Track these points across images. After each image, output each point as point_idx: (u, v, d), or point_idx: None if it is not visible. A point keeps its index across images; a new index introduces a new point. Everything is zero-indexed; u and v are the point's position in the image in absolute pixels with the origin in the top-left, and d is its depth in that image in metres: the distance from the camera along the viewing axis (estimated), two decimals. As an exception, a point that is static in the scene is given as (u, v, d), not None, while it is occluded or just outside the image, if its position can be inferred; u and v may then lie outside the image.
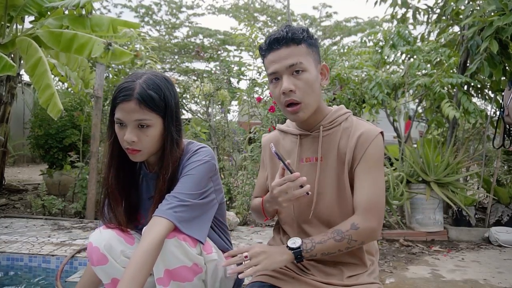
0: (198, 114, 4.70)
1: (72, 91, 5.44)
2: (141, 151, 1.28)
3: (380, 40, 4.10)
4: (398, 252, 2.98)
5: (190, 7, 13.75)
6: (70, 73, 4.85)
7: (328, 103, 3.26)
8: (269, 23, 13.41)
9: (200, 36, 13.71)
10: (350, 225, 1.14)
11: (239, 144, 4.56)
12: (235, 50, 13.32)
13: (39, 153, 5.38)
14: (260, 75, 4.55)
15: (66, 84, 5.61)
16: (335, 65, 3.90)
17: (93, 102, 4.13)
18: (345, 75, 3.67)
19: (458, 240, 3.33)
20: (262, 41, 4.57)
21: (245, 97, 4.68)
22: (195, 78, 4.84)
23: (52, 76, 4.02)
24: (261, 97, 4.12)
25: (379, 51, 4.03)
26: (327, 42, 12.96)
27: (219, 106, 4.64)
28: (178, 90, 4.42)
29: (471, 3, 3.52)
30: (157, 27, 13.97)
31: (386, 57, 3.88)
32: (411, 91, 3.99)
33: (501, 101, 3.13)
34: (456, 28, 4.13)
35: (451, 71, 3.68)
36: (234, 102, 5.26)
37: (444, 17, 4.07)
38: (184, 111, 4.62)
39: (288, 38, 1.16)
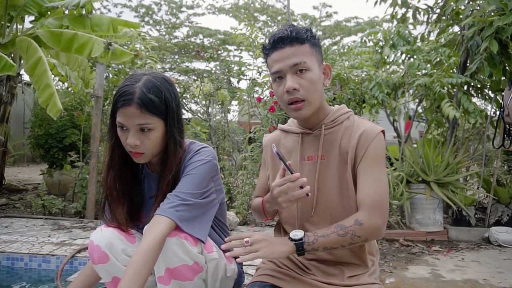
0: (198, 114, 4.70)
1: (72, 91, 5.44)
2: (144, 153, 1.28)
3: (380, 40, 4.11)
4: (398, 252, 2.98)
5: (190, 7, 13.75)
6: (70, 73, 4.84)
7: (328, 103, 3.26)
8: (269, 23, 13.40)
9: (200, 36, 13.70)
10: (354, 220, 1.13)
11: (239, 144, 4.56)
12: (235, 50, 13.31)
13: (39, 153, 5.38)
14: (260, 75, 4.55)
15: (66, 84, 5.61)
16: (335, 65, 3.91)
17: (93, 102, 4.13)
18: (345, 75, 3.67)
19: (458, 240, 3.34)
20: (262, 41, 4.58)
21: (245, 97, 4.68)
22: (195, 78, 4.84)
23: (52, 76, 4.02)
24: (261, 97, 4.12)
25: (379, 51, 4.04)
26: (327, 42, 12.95)
27: (219, 106, 4.65)
28: (178, 90, 4.43)
29: (471, 3, 3.52)
30: (157, 27, 13.96)
31: (386, 57, 3.89)
32: (411, 91, 4.00)
33: (501, 101, 3.13)
34: (456, 28, 4.13)
35: (451, 71, 3.68)
36: (234, 102, 5.26)
37: (444, 17, 4.07)
38: (184, 111, 4.62)
39: (292, 37, 1.17)
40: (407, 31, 3.92)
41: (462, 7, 3.63)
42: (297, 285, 1.21)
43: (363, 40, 4.51)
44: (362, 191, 1.18)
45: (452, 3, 3.68)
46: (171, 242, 1.20)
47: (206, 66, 5.20)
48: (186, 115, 4.87)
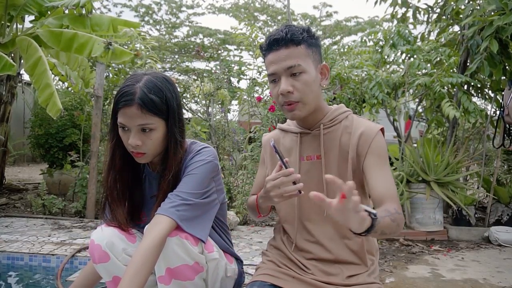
0: (198, 114, 4.70)
1: (72, 91, 5.44)
2: (146, 153, 1.29)
3: (380, 40, 4.10)
4: (398, 252, 2.98)
5: (190, 7, 13.74)
6: (70, 73, 4.85)
7: (328, 103, 3.26)
8: (269, 23, 13.39)
9: (200, 36, 13.69)
10: (393, 209, 1.08)
11: (239, 144, 4.56)
12: (235, 49, 13.31)
13: (39, 153, 5.39)
14: (260, 74, 4.55)
15: (66, 84, 5.60)
16: (335, 65, 3.90)
17: (93, 102, 4.13)
18: (345, 74, 3.67)
19: (458, 240, 3.34)
20: (262, 40, 4.56)
21: (245, 97, 4.68)
22: (195, 78, 4.84)
23: (52, 75, 4.02)
24: (261, 96, 4.12)
25: (379, 50, 4.03)
26: (327, 41, 12.94)
27: (219, 105, 4.65)
28: (178, 89, 4.43)
29: (471, 2, 3.52)
30: (157, 27, 13.95)
31: (386, 57, 3.89)
32: (411, 91, 4.00)
33: (501, 101, 3.14)
34: (456, 28, 4.13)
35: (451, 70, 3.68)
36: (234, 102, 5.26)
37: (444, 17, 4.07)
38: (184, 111, 4.60)
39: (287, 39, 1.16)
40: (407, 31, 3.91)
41: (462, 7, 3.63)
42: (296, 285, 1.21)
43: (363, 40, 4.51)
44: (379, 185, 1.15)
45: (452, 3, 3.68)
46: (171, 242, 1.20)
47: (206, 65, 5.21)
48: (186, 114, 4.87)
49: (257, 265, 1.38)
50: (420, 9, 4.26)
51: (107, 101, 4.27)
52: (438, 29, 4.25)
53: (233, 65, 4.73)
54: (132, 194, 1.43)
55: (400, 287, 2.26)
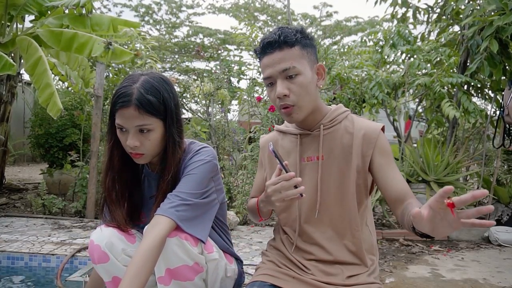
0: (198, 114, 4.70)
1: (72, 90, 5.44)
2: (144, 154, 1.28)
3: (380, 40, 4.11)
4: (398, 252, 2.98)
5: (190, 7, 13.74)
6: (70, 72, 4.85)
7: (328, 103, 3.26)
8: (269, 23, 13.39)
9: (200, 36, 13.70)
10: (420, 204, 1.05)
11: (239, 144, 4.56)
12: (235, 49, 13.29)
13: (39, 152, 5.39)
14: (260, 74, 4.55)
15: (66, 83, 5.61)
16: (335, 65, 3.91)
17: (93, 102, 4.13)
18: (345, 74, 3.67)
19: (458, 240, 3.34)
20: (262, 40, 4.51)
21: (245, 97, 4.68)
22: (195, 78, 4.84)
23: (52, 75, 4.02)
24: (261, 96, 4.12)
25: (379, 50, 4.04)
26: (327, 41, 12.94)
27: (219, 105, 4.64)
28: (178, 89, 4.43)
29: (471, 2, 3.52)
30: (157, 27, 13.95)
31: (386, 57, 3.89)
32: (411, 91, 4.00)
33: (501, 101, 3.14)
34: (456, 28, 4.13)
35: (451, 70, 3.69)
36: (234, 102, 5.26)
37: (444, 17, 4.08)
38: (184, 111, 4.62)
39: (280, 41, 1.15)
40: (407, 31, 3.92)
41: (462, 7, 3.64)
42: (296, 285, 1.21)
43: (363, 40, 4.51)
44: (397, 183, 1.15)
45: (452, 3, 3.68)
46: (171, 242, 1.20)
47: (206, 65, 5.20)
48: (186, 114, 4.87)
49: (257, 265, 1.38)
50: (420, 9, 4.27)
51: (107, 101, 4.27)
52: (438, 29, 4.25)
53: (233, 65, 4.73)
54: (131, 194, 1.42)
55: (400, 287, 2.26)
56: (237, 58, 12.73)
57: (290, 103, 1.17)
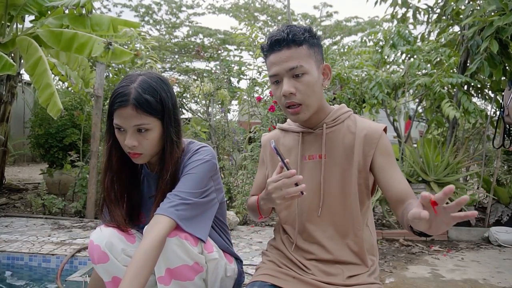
0: (198, 114, 4.70)
1: (72, 91, 5.44)
2: (143, 154, 1.28)
3: (380, 40, 4.11)
4: (398, 252, 2.98)
5: (190, 7, 13.75)
6: (70, 73, 4.85)
7: (328, 103, 3.27)
8: (270, 23, 13.40)
9: (200, 36, 13.71)
10: None
11: (239, 144, 4.56)
12: (235, 49, 13.30)
13: (39, 152, 5.39)
14: (260, 74, 4.55)
15: (66, 84, 5.61)
16: (335, 65, 3.91)
17: (93, 102, 4.13)
18: (345, 74, 3.67)
19: (458, 240, 3.34)
20: (262, 40, 4.55)
21: (245, 97, 4.68)
22: (195, 78, 4.84)
23: (52, 75, 4.02)
24: (261, 96, 4.12)
25: (379, 50, 4.04)
26: (327, 41, 12.95)
27: (219, 105, 4.64)
28: (178, 89, 4.43)
29: (471, 3, 3.52)
30: (157, 27, 13.96)
31: (386, 57, 3.89)
32: (411, 91, 4.00)
33: (501, 101, 3.14)
34: (456, 28, 4.13)
35: (451, 71, 3.68)
36: (234, 102, 5.26)
37: (444, 17, 4.07)
38: (184, 111, 4.62)
39: (289, 39, 1.15)
40: (407, 31, 3.92)
41: (462, 7, 3.63)
42: (297, 285, 1.21)
43: (363, 40, 4.51)
44: (398, 184, 1.16)
45: (452, 3, 3.68)
46: (171, 242, 1.20)
47: (206, 65, 5.20)
48: (186, 114, 4.87)
49: (257, 265, 1.38)
50: (420, 10, 4.26)
51: (107, 101, 4.26)
52: (438, 30, 4.25)
53: (233, 65, 4.72)
54: (130, 195, 1.42)
55: (400, 287, 2.26)
56: (237, 58, 12.73)
57: (296, 101, 1.17)
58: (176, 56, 14.07)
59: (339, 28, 13.24)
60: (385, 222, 3.68)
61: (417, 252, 2.97)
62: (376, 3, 4.36)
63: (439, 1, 4.15)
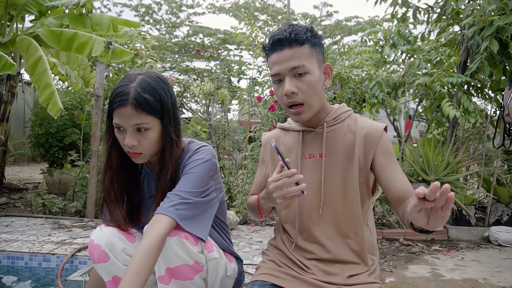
0: (198, 113, 4.70)
1: (72, 90, 5.44)
2: (142, 153, 1.28)
3: (381, 40, 4.11)
4: (398, 251, 2.98)
5: (190, 6, 13.75)
6: (71, 72, 4.85)
7: (329, 102, 3.26)
8: (270, 22, 13.39)
9: (201, 35, 13.71)
10: None
11: (239, 143, 4.56)
12: (235, 49, 13.31)
13: (40, 152, 5.39)
14: (260, 74, 4.55)
15: (66, 83, 5.61)
16: (336, 64, 3.91)
17: (93, 101, 4.13)
18: (345, 74, 3.67)
19: (458, 240, 3.34)
20: (262, 40, 4.55)
21: (245, 96, 4.68)
22: (195, 77, 4.84)
23: (53, 75, 4.02)
24: (261, 96, 4.12)
25: (380, 50, 4.04)
26: (327, 41, 12.95)
27: (219, 105, 4.64)
28: (178, 89, 4.43)
29: (471, 2, 3.52)
30: (158, 26, 13.96)
31: (386, 57, 3.89)
32: (411, 91, 4.00)
33: (501, 101, 3.14)
34: (457, 28, 4.13)
35: (451, 70, 3.68)
36: (234, 101, 5.26)
37: (444, 17, 4.07)
38: (184, 110, 4.63)
39: (291, 39, 1.15)
40: (407, 31, 3.91)
41: (463, 7, 3.63)
42: (297, 284, 1.21)
43: (363, 40, 4.51)
44: (399, 182, 1.16)
45: (452, 3, 3.68)
46: (171, 241, 1.20)
47: (206, 65, 5.21)
48: (186, 114, 4.87)
49: (257, 264, 1.38)
50: (420, 9, 4.26)
51: (107, 101, 4.26)
52: (438, 29, 4.25)
53: (233, 65, 4.73)
54: (130, 194, 1.42)
55: (400, 287, 2.26)
56: (237, 58, 12.74)
57: (298, 100, 1.18)
58: (176, 56, 14.07)
59: (339, 28, 13.24)
60: (385, 222, 3.68)
61: (417, 252, 2.97)
62: (376, 2, 4.35)
63: (439, 1, 4.15)
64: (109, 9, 13.18)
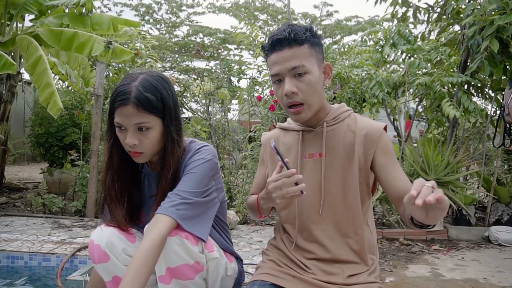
0: (198, 113, 4.70)
1: (72, 90, 5.44)
2: (144, 153, 1.28)
3: (381, 39, 4.10)
4: (398, 251, 2.98)
5: (190, 6, 13.75)
6: (71, 72, 4.85)
7: (329, 102, 3.26)
8: (270, 22, 13.39)
9: (201, 35, 13.70)
10: None
11: (239, 143, 4.56)
12: (235, 49, 13.30)
13: (40, 152, 5.39)
14: (260, 74, 4.55)
15: (66, 83, 5.61)
16: (336, 64, 3.91)
17: (93, 101, 4.13)
18: (345, 74, 3.67)
19: (458, 239, 3.34)
20: (263, 40, 4.55)
21: (245, 96, 4.68)
22: (196, 77, 4.84)
23: (53, 74, 4.02)
24: (261, 96, 4.12)
25: (380, 50, 4.03)
26: (327, 41, 12.94)
27: (219, 105, 4.65)
28: (178, 89, 4.43)
29: (471, 2, 3.51)
30: (158, 26, 13.96)
31: (386, 56, 3.88)
32: (411, 90, 3.99)
33: (501, 100, 3.14)
34: (457, 27, 4.12)
35: (452, 70, 3.68)
36: (234, 101, 5.27)
37: (444, 16, 4.07)
38: (184, 110, 4.62)
39: (290, 39, 1.15)
40: (407, 30, 3.91)
41: (463, 6, 3.63)
42: (297, 284, 1.21)
43: (363, 39, 4.51)
44: (400, 182, 1.17)
45: (452, 2, 3.68)
46: (172, 241, 1.20)
47: (206, 65, 5.20)
48: (186, 114, 4.88)
49: (257, 264, 1.38)
50: (421, 9, 4.26)
51: (107, 100, 4.26)
52: (439, 29, 4.24)
53: (233, 65, 4.73)
54: (131, 194, 1.42)
55: (400, 287, 2.26)
56: (237, 58, 12.75)
57: (298, 100, 1.17)
58: (176, 55, 14.06)
59: (339, 28, 13.24)
60: (385, 222, 3.68)
61: (417, 251, 2.97)
62: (376, 2, 4.35)
63: (439, 0, 4.14)
64: (109, 9, 13.17)
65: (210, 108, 4.58)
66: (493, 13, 3.07)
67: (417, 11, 4.27)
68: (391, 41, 3.90)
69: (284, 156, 1.11)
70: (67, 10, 4.27)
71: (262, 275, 1.25)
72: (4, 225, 3.34)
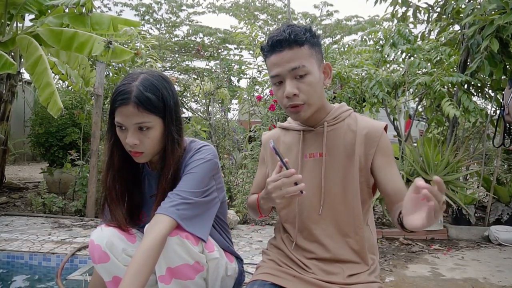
0: (199, 113, 4.70)
1: (72, 90, 5.44)
2: (144, 153, 1.28)
3: (381, 39, 4.10)
4: (398, 251, 2.98)
5: (190, 6, 13.73)
6: (71, 72, 4.85)
7: (329, 102, 3.26)
8: (270, 22, 13.37)
9: (201, 35, 13.68)
10: None
11: (239, 143, 4.56)
12: (235, 48, 13.29)
13: (40, 151, 5.39)
14: (260, 73, 4.55)
15: (66, 83, 5.61)
16: (336, 64, 3.91)
17: (93, 101, 4.13)
18: (345, 73, 3.67)
19: (458, 239, 3.34)
20: (263, 39, 4.55)
21: (245, 96, 4.68)
22: (196, 77, 4.85)
23: (53, 74, 4.02)
24: (261, 95, 4.12)
25: (380, 49, 4.03)
26: (327, 40, 12.94)
27: (219, 104, 4.65)
28: (178, 88, 4.43)
29: (471, 1, 3.51)
30: (158, 26, 13.94)
31: (386, 56, 3.88)
32: (411, 90, 3.99)
33: (501, 100, 3.14)
34: (457, 27, 4.12)
35: (452, 69, 3.68)
36: (234, 101, 5.27)
37: (444, 16, 4.07)
38: (184, 110, 4.63)
39: (290, 40, 1.15)
40: (407, 30, 3.91)
41: (463, 6, 3.63)
42: (297, 284, 1.21)
43: (363, 39, 4.50)
44: (394, 183, 1.18)
45: (452, 2, 3.68)
46: (172, 241, 1.20)
47: (206, 65, 5.23)
48: (187, 113, 4.88)
49: (257, 264, 1.38)
50: (421, 8, 4.26)
51: (107, 100, 4.27)
52: (439, 28, 4.24)
53: (233, 64, 4.74)
54: (131, 193, 1.42)
55: (400, 286, 2.26)
56: (237, 57, 12.74)
57: (299, 102, 1.17)
58: (176, 55, 14.05)
59: (339, 27, 13.22)
60: (385, 221, 3.68)
61: (417, 251, 2.97)
62: (376, 2, 4.34)
63: (439, 0, 4.14)
64: (109, 9, 13.15)
65: (210, 108, 4.59)
66: (493, 12, 3.07)
67: (417, 11, 4.27)
68: (391, 40, 3.90)
69: (284, 156, 1.11)
70: (67, 10, 4.27)
71: (262, 275, 1.25)
72: (4, 224, 3.35)
